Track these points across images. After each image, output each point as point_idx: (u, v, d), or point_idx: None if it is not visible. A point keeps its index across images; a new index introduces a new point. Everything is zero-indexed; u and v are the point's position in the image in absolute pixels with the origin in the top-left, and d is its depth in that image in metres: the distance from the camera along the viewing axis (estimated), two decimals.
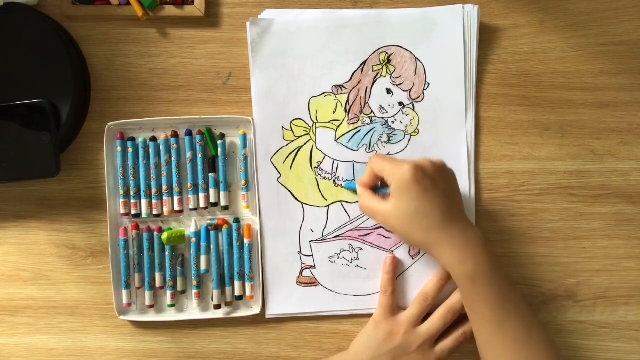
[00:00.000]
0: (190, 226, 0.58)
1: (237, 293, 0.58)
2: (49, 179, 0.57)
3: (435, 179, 0.51)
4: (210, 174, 0.57)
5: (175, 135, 0.57)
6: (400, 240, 0.58)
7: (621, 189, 0.59)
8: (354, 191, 0.58)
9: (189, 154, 0.57)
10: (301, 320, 0.59)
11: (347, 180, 0.58)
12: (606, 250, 0.59)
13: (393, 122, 0.58)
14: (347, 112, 0.58)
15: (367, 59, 0.58)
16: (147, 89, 0.58)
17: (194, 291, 0.58)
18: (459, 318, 0.56)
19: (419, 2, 0.58)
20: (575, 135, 0.59)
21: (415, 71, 0.58)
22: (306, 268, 0.59)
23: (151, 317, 0.58)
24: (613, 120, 0.58)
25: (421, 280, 0.58)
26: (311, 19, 0.58)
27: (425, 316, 0.56)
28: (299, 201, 0.58)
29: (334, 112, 0.58)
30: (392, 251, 0.58)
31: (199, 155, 0.57)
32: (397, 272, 0.58)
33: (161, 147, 0.57)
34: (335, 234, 0.58)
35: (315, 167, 0.58)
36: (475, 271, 0.50)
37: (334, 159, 0.58)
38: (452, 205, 0.52)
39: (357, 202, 0.58)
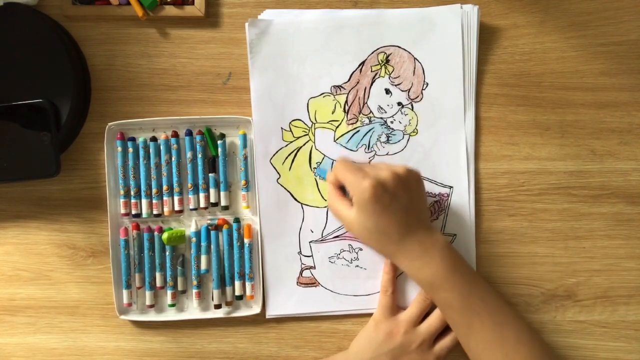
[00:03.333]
0: (190, 226, 0.58)
1: (237, 293, 0.58)
2: (49, 179, 0.57)
3: (395, 194, 0.50)
4: (210, 174, 0.57)
5: (175, 135, 0.57)
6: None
7: (621, 189, 0.58)
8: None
9: (189, 154, 0.57)
10: (301, 320, 0.59)
11: (323, 169, 0.58)
12: (606, 250, 0.59)
13: (392, 122, 0.58)
14: (346, 112, 0.58)
15: (366, 59, 0.58)
16: (147, 89, 0.59)
17: (194, 291, 0.58)
18: None
19: (418, 2, 0.58)
20: (575, 135, 0.58)
21: (414, 71, 0.58)
22: (306, 268, 0.59)
23: (151, 316, 0.58)
24: (613, 120, 0.58)
25: None
26: (310, 19, 0.58)
27: (425, 316, 0.56)
28: (298, 202, 0.58)
29: (332, 112, 0.58)
30: None
31: (199, 155, 0.57)
32: (397, 272, 0.58)
33: (161, 147, 0.57)
34: (334, 234, 0.58)
35: (314, 168, 0.58)
36: (433, 277, 0.51)
37: (333, 160, 0.58)
38: (412, 216, 0.51)
39: None
